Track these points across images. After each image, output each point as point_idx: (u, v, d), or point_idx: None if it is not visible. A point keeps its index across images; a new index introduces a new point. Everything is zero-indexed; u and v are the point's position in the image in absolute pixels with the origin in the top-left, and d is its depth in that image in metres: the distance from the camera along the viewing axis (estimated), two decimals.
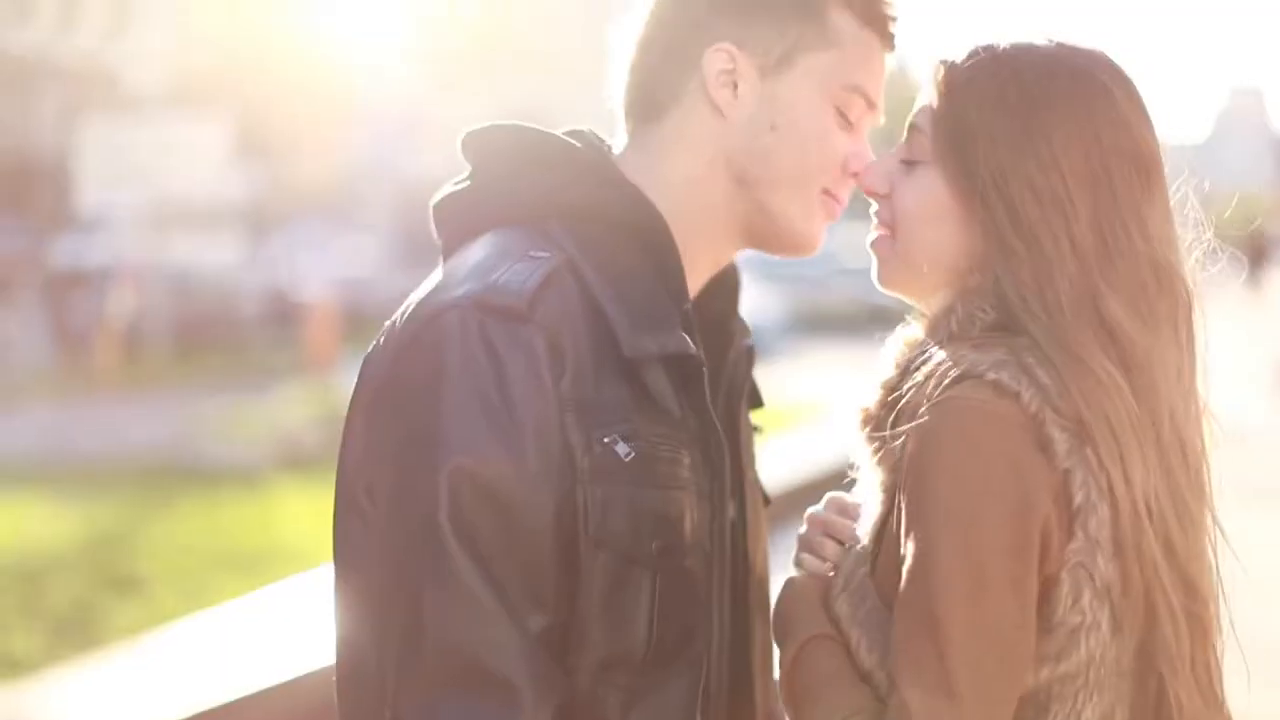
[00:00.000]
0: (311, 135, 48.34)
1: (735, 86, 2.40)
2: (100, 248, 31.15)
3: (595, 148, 2.45)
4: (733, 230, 2.45)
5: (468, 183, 2.43)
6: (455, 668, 2.15)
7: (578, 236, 2.32)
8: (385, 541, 2.23)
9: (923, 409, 2.17)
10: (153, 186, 27.38)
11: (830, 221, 2.46)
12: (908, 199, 2.33)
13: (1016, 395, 2.15)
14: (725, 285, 2.55)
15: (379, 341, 2.32)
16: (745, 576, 2.49)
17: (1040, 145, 2.24)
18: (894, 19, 2.46)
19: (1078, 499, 2.15)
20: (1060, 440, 2.15)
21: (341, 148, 49.14)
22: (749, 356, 2.59)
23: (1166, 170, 2.33)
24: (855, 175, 2.43)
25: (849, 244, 26.82)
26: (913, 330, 2.37)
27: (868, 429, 2.32)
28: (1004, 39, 2.33)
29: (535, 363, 2.20)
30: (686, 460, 2.30)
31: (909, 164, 2.34)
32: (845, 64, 2.41)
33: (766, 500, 2.64)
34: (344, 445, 2.33)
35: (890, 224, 2.36)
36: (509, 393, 2.19)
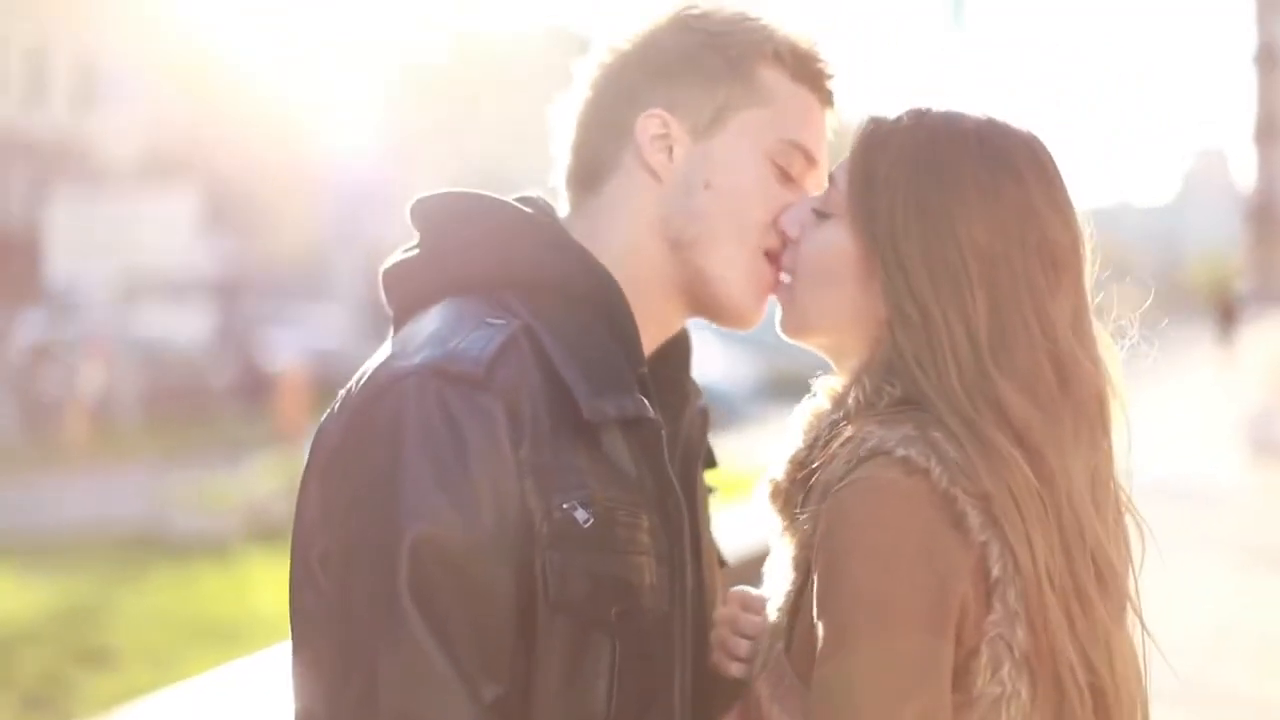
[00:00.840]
0: (280, 207, 48.39)
1: (670, 150, 2.39)
2: (70, 320, 31.10)
3: (546, 213, 2.43)
4: (675, 297, 2.44)
5: (417, 250, 2.41)
6: None
7: (533, 303, 2.31)
8: (339, 607, 2.21)
9: (834, 486, 2.15)
10: (122, 259, 27.38)
11: (771, 292, 2.43)
12: (810, 248, 2.32)
13: (926, 472, 2.12)
14: (677, 348, 2.54)
15: (333, 409, 2.30)
16: (704, 637, 2.46)
17: (942, 218, 2.22)
18: (829, 75, 2.46)
19: (994, 571, 2.13)
20: (973, 515, 2.12)
21: (309, 219, 49.20)
22: (704, 418, 2.58)
23: (1085, 258, 2.30)
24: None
25: None
26: (819, 401, 2.35)
27: (777, 503, 2.31)
28: (939, 104, 2.31)
29: (494, 429, 2.18)
30: (645, 524, 2.28)
31: (820, 214, 2.33)
32: (780, 119, 2.41)
33: (722, 562, 2.62)
34: (298, 514, 2.30)
35: (792, 269, 2.36)
36: (467, 460, 2.17)
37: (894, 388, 2.22)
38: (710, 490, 2.63)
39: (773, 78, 2.42)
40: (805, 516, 2.20)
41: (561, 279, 2.34)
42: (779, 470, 2.32)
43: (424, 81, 51.48)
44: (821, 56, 2.46)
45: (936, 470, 2.13)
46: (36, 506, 18.69)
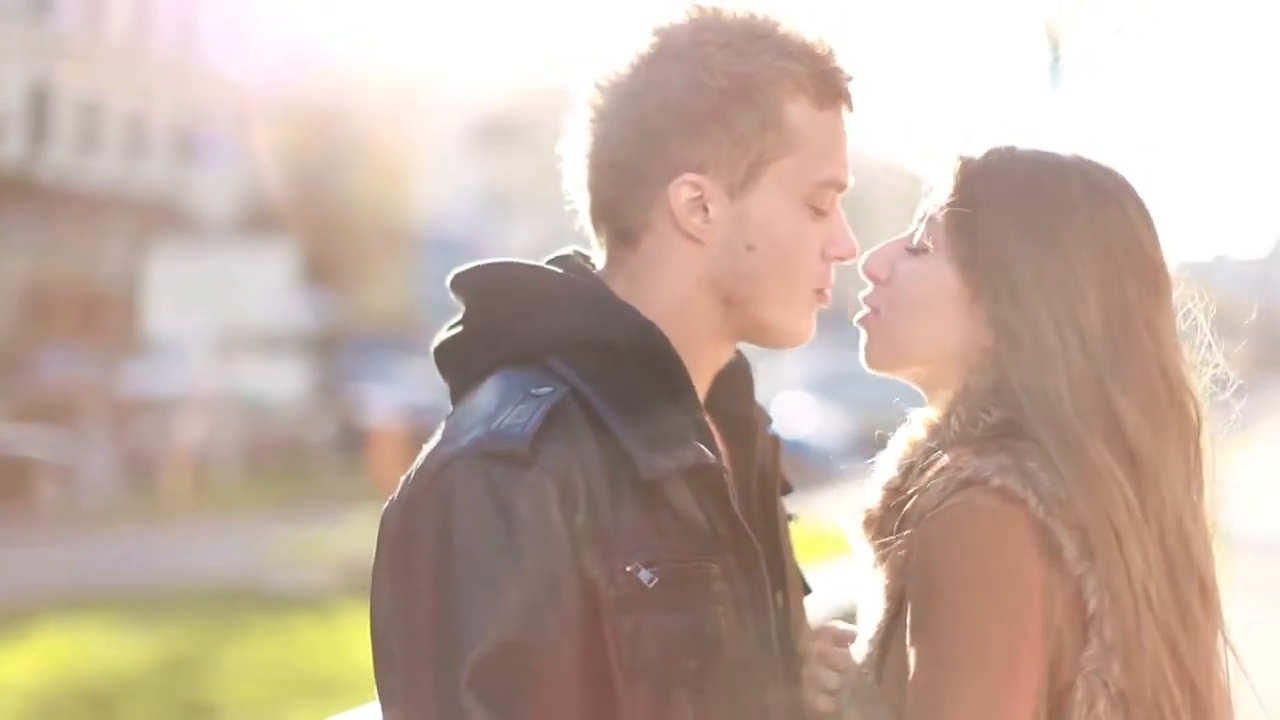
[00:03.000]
0: (376, 261, 48.63)
1: (705, 210, 2.35)
2: (169, 375, 31.35)
3: (585, 272, 2.41)
4: (726, 337, 2.43)
5: (462, 325, 2.40)
6: None
7: (580, 366, 2.29)
8: (409, 702, 2.22)
9: (929, 514, 2.16)
10: (220, 313, 27.57)
11: (815, 310, 2.43)
12: (906, 282, 2.33)
13: (1023, 502, 2.13)
14: (737, 379, 2.52)
15: (395, 494, 2.30)
16: (794, 665, 2.45)
17: (1052, 239, 2.24)
18: (849, 80, 2.41)
19: (1091, 604, 2.14)
20: (1069, 546, 2.13)
21: (406, 273, 49.39)
22: (775, 444, 2.56)
23: (1177, 292, 2.33)
24: (839, 258, 2.40)
25: None
26: (915, 430, 2.36)
27: (870, 532, 2.32)
28: (1020, 141, 2.34)
29: (544, 504, 2.17)
30: (717, 572, 2.27)
31: (914, 251, 2.34)
32: (811, 162, 2.36)
33: (808, 589, 2.61)
34: (372, 599, 2.30)
35: (879, 306, 2.36)
36: (518, 541, 2.16)
37: (990, 415, 2.24)
38: (791, 517, 2.61)
39: (799, 113, 2.36)
40: (899, 544, 2.21)
41: (605, 338, 2.32)
42: (873, 499, 2.34)
43: (519, 136, 51.66)
44: (836, 59, 2.40)
45: (1033, 500, 2.14)
46: (137, 559, 18.82)
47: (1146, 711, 2.17)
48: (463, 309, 2.41)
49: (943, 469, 2.20)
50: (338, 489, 24.91)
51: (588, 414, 2.25)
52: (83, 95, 45.62)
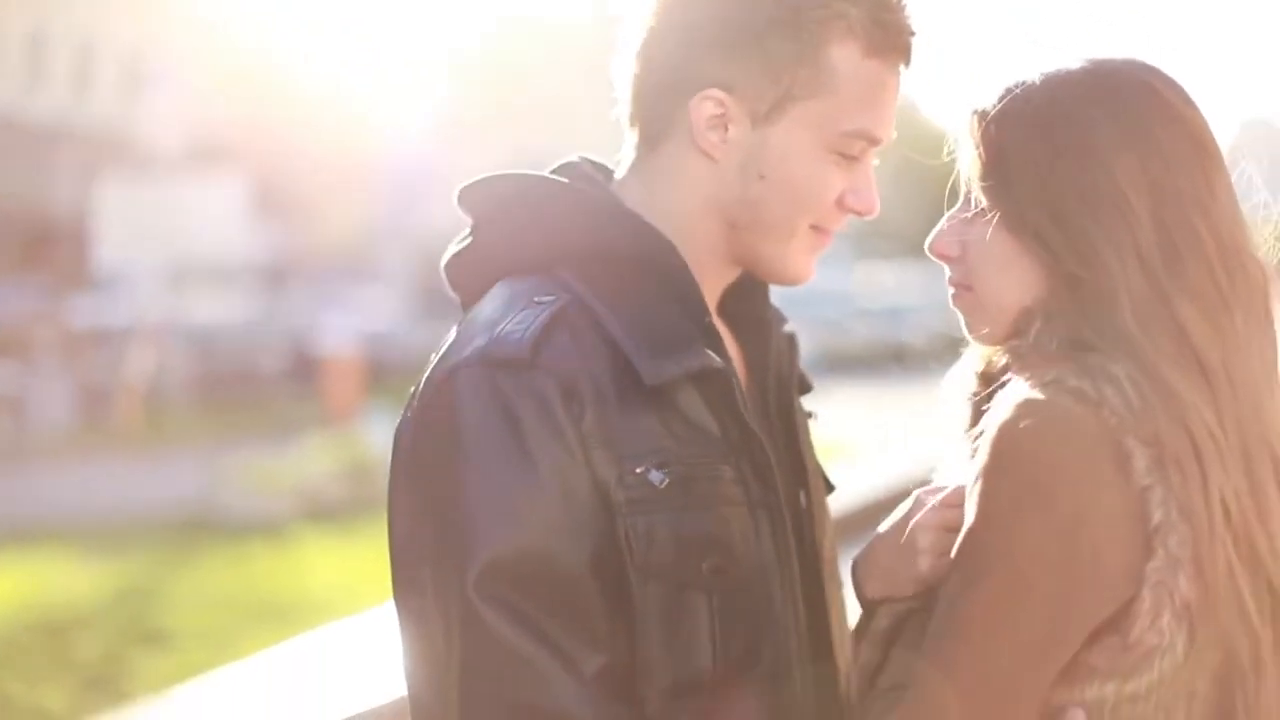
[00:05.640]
0: (329, 190, 48.45)
1: (725, 129, 2.34)
2: (120, 306, 31.23)
3: (592, 181, 2.42)
4: (729, 260, 2.42)
5: (470, 239, 2.41)
6: None
7: (585, 276, 2.30)
8: (427, 611, 2.24)
9: (1002, 404, 2.14)
10: (171, 245, 27.44)
11: (819, 253, 2.43)
12: (978, 254, 2.28)
13: (1098, 405, 2.11)
14: (748, 283, 2.50)
15: (405, 409, 2.32)
16: (817, 564, 2.47)
17: (1088, 160, 2.19)
18: (908, 35, 2.37)
19: (1156, 516, 2.10)
20: (1139, 456, 2.10)
21: (359, 202, 49.25)
22: (791, 343, 2.56)
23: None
24: (855, 212, 2.39)
25: (867, 284, 26.78)
26: (984, 350, 2.34)
27: (966, 430, 2.29)
28: (1030, 71, 2.27)
29: (548, 408, 2.19)
30: (729, 475, 2.28)
31: (970, 221, 2.29)
32: (844, 109, 2.33)
33: (830, 486, 2.60)
34: (391, 518, 2.31)
35: (966, 282, 2.31)
36: (527, 445, 2.19)
37: (1065, 337, 2.20)
38: (810, 414, 2.60)
39: (843, 57, 2.32)
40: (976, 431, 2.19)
41: (609, 246, 2.33)
42: (958, 406, 2.33)
43: (472, 65, 51.45)
44: (900, 11, 2.37)
45: (1109, 406, 2.11)
46: (90, 491, 18.78)
47: (1210, 636, 2.14)
48: (470, 223, 2.42)
49: (1021, 371, 2.19)
50: (292, 417, 24.87)
51: (591, 321, 2.27)
52: (28, 27, 45.24)
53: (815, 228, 2.39)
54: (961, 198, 2.32)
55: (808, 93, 2.32)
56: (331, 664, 7.13)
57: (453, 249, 2.43)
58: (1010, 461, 2.11)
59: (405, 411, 2.32)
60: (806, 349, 2.63)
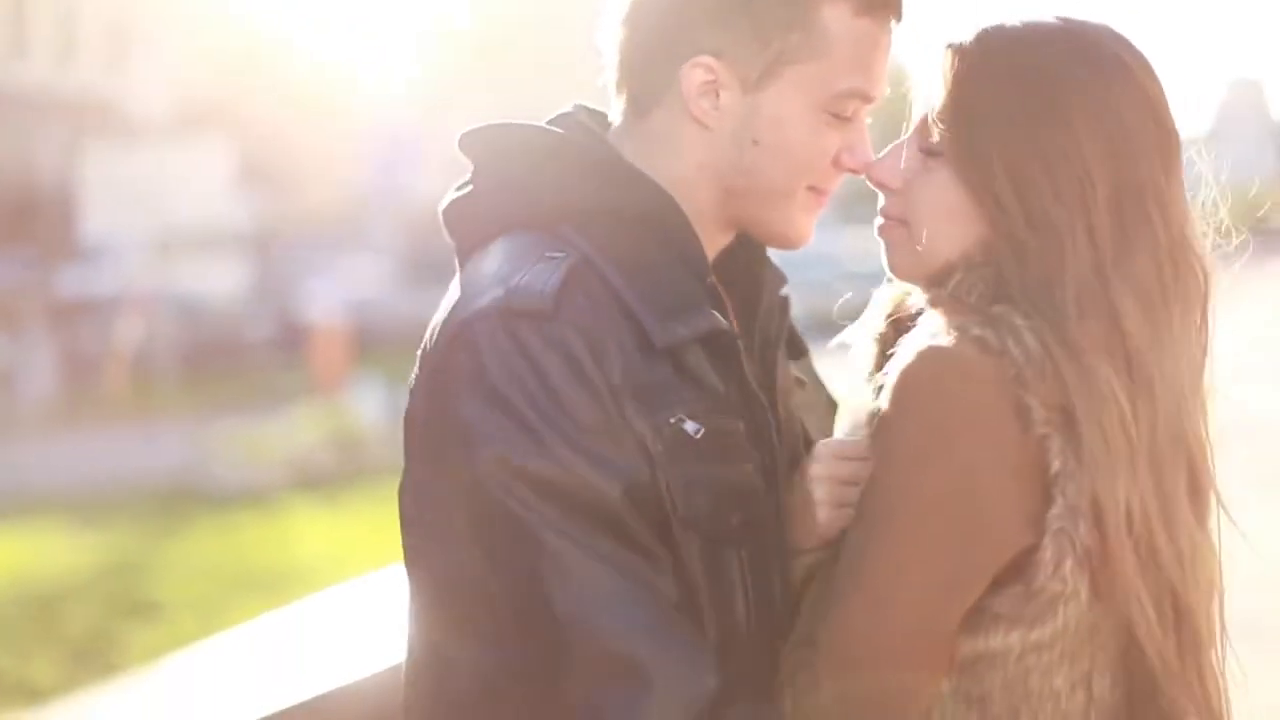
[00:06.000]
0: (315, 158, 48.38)
1: (716, 96, 2.31)
2: (106, 276, 31.20)
3: (592, 134, 2.39)
4: (724, 225, 2.39)
5: (470, 186, 2.38)
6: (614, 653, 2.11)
7: (589, 234, 2.27)
8: (474, 566, 2.17)
9: (906, 351, 2.15)
10: (157, 214, 27.42)
11: (817, 214, 2.41)
12: (927, 193, 2.27)
13: (1000, 354, 2.11)
14: (737, 245, 2.47)
15: (414, 374, 2.28)
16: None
17: (1060, 129, 2.18)
18: None
19: (1055, 465, 2.11)
20: (1037, 409, 2.10)
21: (345, 169, 49.18)
22: (783, 305, 2.54)
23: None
24: (851, 170, 2.36)
25: (852, 247, 26.77)
26: (900, 288, 2.35)
27: (869, 375, 2.31)
28: (1011, 17, 2.25)
29: (575, 359, 2.15)
30: (743, 431, 2.27)
31: (923, 154, 2.28)
32: (836, 70, 2.30)
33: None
34: (406, 484, 2.28)
35: (901, 216, 2.30)
36: (558, 393, 2.14)
37: (986, 287, 2.20)
38: (800, 382, 2.58)
39: (834, 17, 2.30)
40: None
41: (614, 204, 2.30)
42: (864, 349, 2.36)
43: (460, 32, 51.39)
44: None
45: (1011, 355, 2.11)
46: (77, 462, 18.78)
47: (1111, 585, 2.15)
48: (471, 169, 2.39)
49: (929, 319, 2.19)
50: (279, 386, 24.88)
51: (601, 280, 2.23)
52: None
53: (813, 189, 2.37)
54: (913, 128, 2.31)
55: (799, 56, 2.30)
56: (320, 633, 7.12)
57: (451, 196, 2.39)
58: (911, 408, 2.12)
59: (414, 376, 2.28)
60: (795, 311, 2.61)
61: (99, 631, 9.96)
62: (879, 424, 2.15)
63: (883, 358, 2.25)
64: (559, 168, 2.33)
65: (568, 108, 2.44)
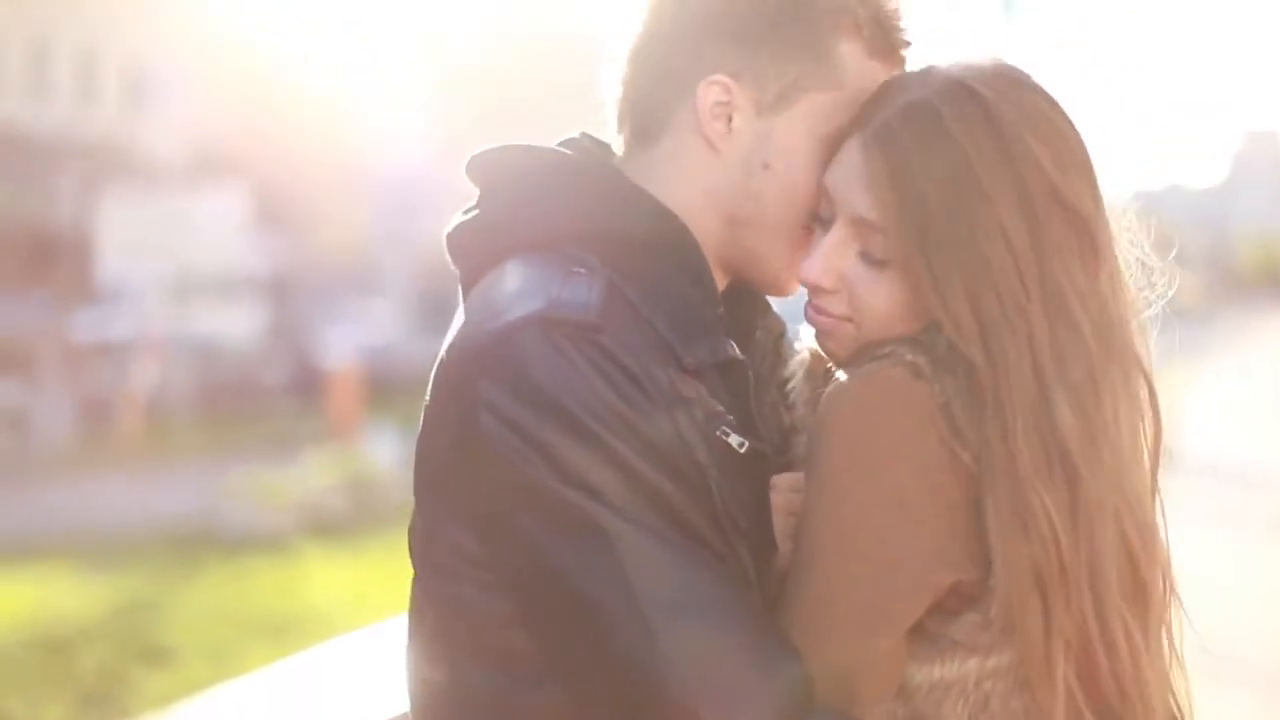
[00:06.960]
0: (331, 203, 48.51)
1: (729, 119, 2.30)
2: (122, 319, 31.26)
3: (601, 160, 2.37)
4: (721, 261, 2.35)
5: (477, 210, 2.34)
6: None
7: (605, 257, 2.23)
8: (544, 563, 2.12)
9: (838, 380, 2.14)
10: (173, 258, 27.49)
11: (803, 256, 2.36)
12: (872, 303, 2.23)
13: (930, 381, 2.10)
14: (737, 289, 2.43)
15: (426, 417, 2.23)
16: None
17: (997, 241, 2.13)
18: (906, 44, 2.36)
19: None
20: (965, 438, 2.09)
21: (359, 216, 49.30)
22: (776, 347, 2.51)
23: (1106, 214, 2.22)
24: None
25: None
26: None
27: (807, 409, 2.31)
28: (933, 95, 2.20)
29: (626, 368, 2.12)
30: (770, 455, 2.26)
31: (853, 256, 2.24)
32: (845, 105, 2.30)
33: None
34: (421, 532, 2.24)
35: (846, 316, 2.25)
36: (612, 399, 2.10)
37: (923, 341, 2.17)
38: (796, 430, 2.53)
39: (850, 54, 2.30)
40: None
41: (629, 228, 2.27)
42: (802, 387, 2.36)
43: (470, 79, 51.57)
44: (902, 23, 2.36)
45: (942, 383, 2.10)
46: (92, 505, 18.78)
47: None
48: (478, 193, 2.35)
49: (861, 352, 2.19)
50: (294, 431, 24.88)
51: (627, 299, 2.20)
52: (31, 39, 45.30)
53: (807, 228, 2.35)
54: (837, 224, 2.26)
55: (815, 85, 2.30)
56: (333, 679, 7.12)
57: (457, 220, 2.35)
58: (838, 434, 2.12)
59: (424, 426, 2.24)
60: None
61: (111, 676, 9.93)
62: (808, 451, 2.16)
63: (816, 399, 2.24)
64: (570, 189, 2.30)
65: (574, 134, 2.42)
